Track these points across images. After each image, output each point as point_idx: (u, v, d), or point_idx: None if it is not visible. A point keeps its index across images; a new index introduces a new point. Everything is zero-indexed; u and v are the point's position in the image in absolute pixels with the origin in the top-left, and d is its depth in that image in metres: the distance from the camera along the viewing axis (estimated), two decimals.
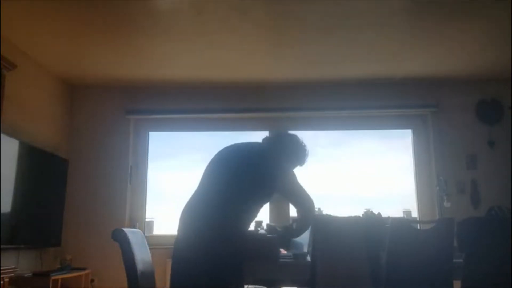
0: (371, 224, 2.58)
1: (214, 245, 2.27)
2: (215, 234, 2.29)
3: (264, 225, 3.10)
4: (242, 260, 2.35)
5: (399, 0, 3.22)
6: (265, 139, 2.79)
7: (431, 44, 3.90)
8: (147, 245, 3.09)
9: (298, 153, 2.68)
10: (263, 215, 4.26)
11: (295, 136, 2.72)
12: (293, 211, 4.49)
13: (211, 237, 2.28)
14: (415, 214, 4.59)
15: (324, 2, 3.22)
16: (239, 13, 3.36)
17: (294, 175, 2.56)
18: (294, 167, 2.68)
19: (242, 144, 2.68)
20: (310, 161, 2.78)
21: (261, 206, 2.50)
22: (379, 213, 3.16)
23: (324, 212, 3.55)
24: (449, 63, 4.31)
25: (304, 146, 2.70)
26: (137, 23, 3.50)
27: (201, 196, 2.46)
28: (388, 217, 2.73)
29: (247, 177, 2.43)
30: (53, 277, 3.49)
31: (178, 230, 2.43)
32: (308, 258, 2.78)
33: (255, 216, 2.47)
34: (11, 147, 3.54)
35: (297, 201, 2.57)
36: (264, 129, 4.82)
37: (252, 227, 2.76)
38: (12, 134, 3.56)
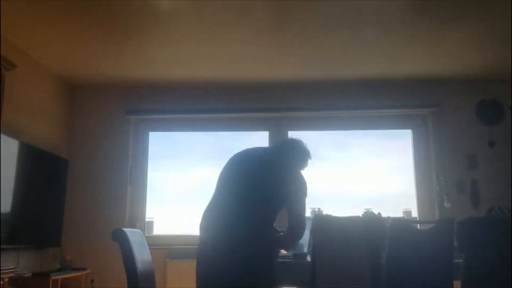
0: (371, 224, 2.58)
1: (250, 248, 2.34)
2: (248, 237, 2.35)
3: None
4: (275, 263, 2.44)
5: (399, 0, 3.22)
6: (273, 145, 2.84)
7: (431, 44, 3.90)
8: (147, 245, 3.09)
9: (304, 158, 2.73)
10: None
11: (301, 141, 2.77)
12: None
13: (246, 240, 2.34)
14: (415, 214, 4.59)
15: (324, 2, 3.22)
16: (239, 13, 3.36)
17: (304, 193, 2.55)
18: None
19: (256, 149, 2.76)
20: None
21: (281, 209, 2.54)
22: (379, 213, 3.16)
23: (324, 212, 3.54)
24: (449, 63, 4.31)
25: (309, 151, 2.76)
26: (137, 24, 3.50)
27: (225, 201, 2.49)
28: (388, 217, 2.74)
29: (267, 182, 2.48)
30: (53, 277, 3.49)
31: (203, 234, 2.48)
32: (308, 258, 2.78)
33: (275, 219, 2.51)
34: (11, 147, 3.54)
35: (292, 215, 2.52)
36: (264, 129, 4.82)
37: None
38: (12, 134, 3.56)
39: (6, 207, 3.44)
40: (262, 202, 2.44)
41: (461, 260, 2.51)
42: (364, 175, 4.78)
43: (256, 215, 2.40)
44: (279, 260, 2.68)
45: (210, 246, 2.41)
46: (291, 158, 2.65)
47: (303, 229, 2.53)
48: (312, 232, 2.65)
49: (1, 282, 3.13)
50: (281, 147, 2.79)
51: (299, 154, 2.71)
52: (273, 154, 2.71)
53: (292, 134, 4.73)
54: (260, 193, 2.45)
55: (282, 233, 2.62)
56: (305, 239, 2.90)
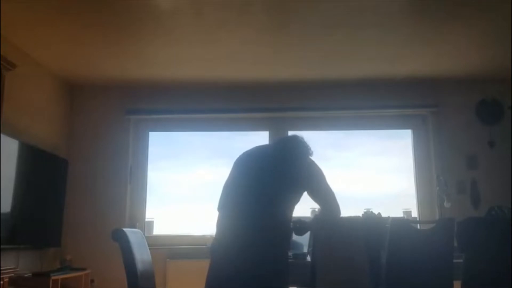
0: (371, 224, 2.58)
1: (268, 248, 2.38)
2: (264, 237, 2.38)
3: None
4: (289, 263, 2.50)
5: (399, 0, 3.22)
6: (278, 140, 2.91)
7: (431, 44, 3.90)
8: (147, 245, 3.09)
9: (309, 150, 2.75)
10: None
11: (302, 137, 2.79)
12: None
13: (262, 239, 2.37)
14: (415, 214, 4.59)
15: (324, 2, 3.22)
16: (239, 13, 3.36)
17: (322, 175, 2.62)
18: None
19: (264, 146, 2.87)
20: None
21: (299, 199, 2.58)
22: (379, 213, 3.16)
23: None
24: (449, 63, 4.31)
25: (310, 147, 2.77)
26: (137, 24, 3.50)
27: (239, 199, 2.52)
28: (388, 217, 2.73)
29: (282, 178, 2.52)
30: (53, 277, 3.49)
31: (219, 233, 2.50)
32: (308, 258, 2.78)
33: (292, 213, 2.55)
34: (11, 147, 3.54)
35: (321, 201, 2.60)
36: (264, 129, 4.82)
37: None
38: (12, 134, 3.56)
39: (6, 207, 3.44)
40: (278, 198, 2.47)
41: (461, 260, 2.50)
42: (364, 175, 4.78)
43: (272, 213, 2.43)
44: None
45: (226, 246, 2.43)
46: (300, 151, 2.68)
47: (337, 204, 2.57)
48: (312, 232, 2.65)
49: (1, 282, 3.13)
50: (287, 142, 2.79)
51: (305, 147, 2.73)
52: (282, 149, 2.72)
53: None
54: (275, 189, 2.48)
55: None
56: (305, 238, 2.90)
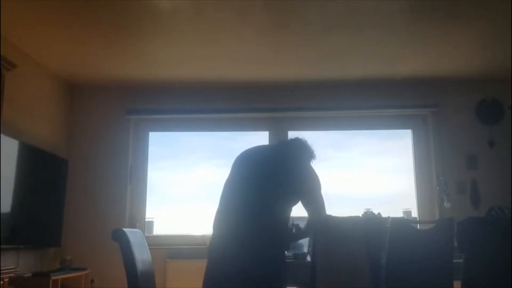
0: (371, 224, 2.58)
1: (265, 248, 2.37)
2: (263, 236, 2.38)
3: None
4: (286, 263, 2.49)
5: (399, 0, 3.22)
6: (279, 142, 2.93)
7: (431, 44, 3.90)
8: (147, 245, 3.09)
9: (311, 155, 2.76)
10: None
11: (306, 141, 2.80)
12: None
13: (259, 240, 2.37)
14: (415, 214, 4.59)
15: (324, 3, 3.22)
16: (239, 14, 3.36)
17: (318, 184, 2.62)
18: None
19: (264, 146, 2.86)
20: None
21: (294, 204, 2.58)
22: (379, 213, 3.16)
23: None
24: (449, 63, 4.31)
25: (313, 150, 2.79)
26: (137, 24, 3.50)
27: (238, 199, 2.51)
28: (388, 217, 2.73)
29: (281, 179, 2.52)
30: (53, 277, 3.49)
31: (216, 234, 2.49)
32: (308, 258, 2.78)
33: (289, 215, 2.55)
34: (11, 147, 3.54)
35: (310, 208, 2.60)
36: (264, 129, 4.82)
37: None
38: (12, 134, 3.56)
39: (6, 207, 3.44)
40: (276, 199, 2.47)
41: (461, 260, 2.50)
42: (364, 175, 4.78)
43: (270, 214, 2.43)
44: None
45: (222, 246, 2.43)
46: (300, 154, 2.69)
47: (325, 213, 2.58)
48: (313, 232, 2.65)
49: (1, 282, 3.13)
50: (288, 144, 2.80)
51: (307, 151, 2.74)
52: (282, 151, 2.73)
53: (292, 134, 4.72)
54: (273, 190, 2.48)
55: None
56: (305, 239, 2.90)
